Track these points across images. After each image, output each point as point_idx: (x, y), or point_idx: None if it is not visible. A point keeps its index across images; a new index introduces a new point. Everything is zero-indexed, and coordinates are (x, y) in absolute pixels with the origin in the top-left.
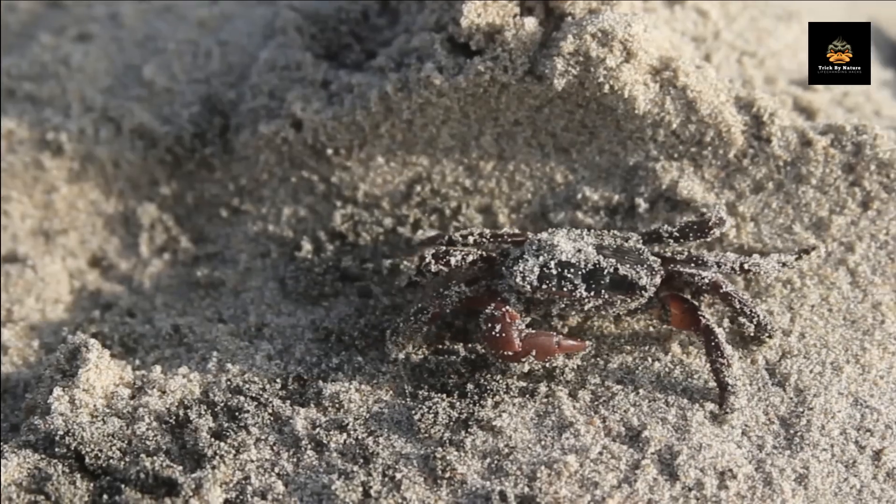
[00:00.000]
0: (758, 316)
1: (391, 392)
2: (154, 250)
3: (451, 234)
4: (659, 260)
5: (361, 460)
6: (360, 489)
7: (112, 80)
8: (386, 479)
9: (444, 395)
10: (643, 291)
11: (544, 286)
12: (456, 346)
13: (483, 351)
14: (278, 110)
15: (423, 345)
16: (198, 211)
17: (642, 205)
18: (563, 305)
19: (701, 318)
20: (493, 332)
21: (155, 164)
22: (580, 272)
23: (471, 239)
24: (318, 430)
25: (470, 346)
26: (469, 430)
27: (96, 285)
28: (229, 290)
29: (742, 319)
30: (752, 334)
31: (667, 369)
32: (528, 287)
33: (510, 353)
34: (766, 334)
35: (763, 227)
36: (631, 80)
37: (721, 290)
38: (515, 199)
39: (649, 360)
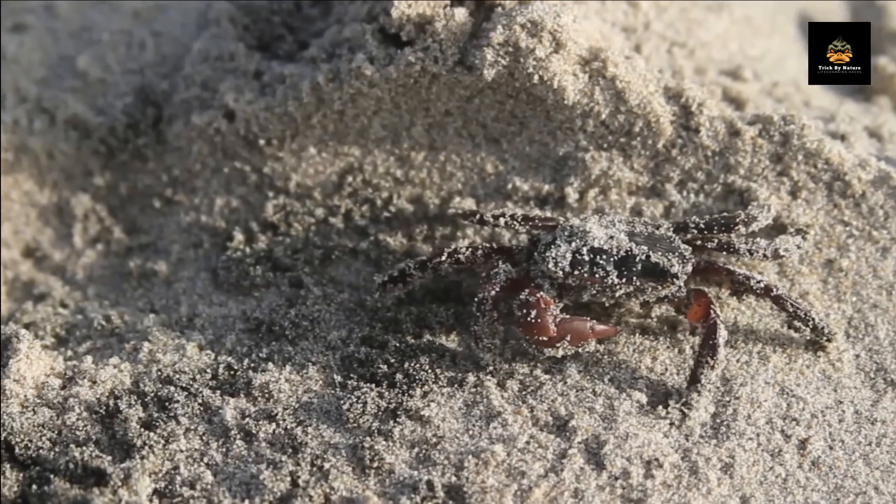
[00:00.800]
0: (813, 319)
1: (321, 382)
2: (87, 241)
3: (484, 214)
4: (690, 248)
5: (290, 450)
6: (288, 479)
7: (46, 71)
8: (314, 468)
9: (374, 385)
10: (675, 279)
11: (576, 272)
12: (386, 337)
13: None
14: (211, 101)
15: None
16: (131, 202)
17: (572, 195)
18: (595, 292)
19: (712, 312)
20: (529, 318)
21: (89, 155)
22: (612, 259)
23: (502, 221)
24: (247, 420)
25: (400, 336)
26: (397, 419)
27: (29, 276)
28: (161, 281)
29: (797, 324)
30: (809, 338)
31: (595, 359)
32: (561, 273)
33: (545, 339)
34: (825, 338)
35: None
36: (560, 70)
37: (773, 294)
38: (446, 189)
39: (578, 349)
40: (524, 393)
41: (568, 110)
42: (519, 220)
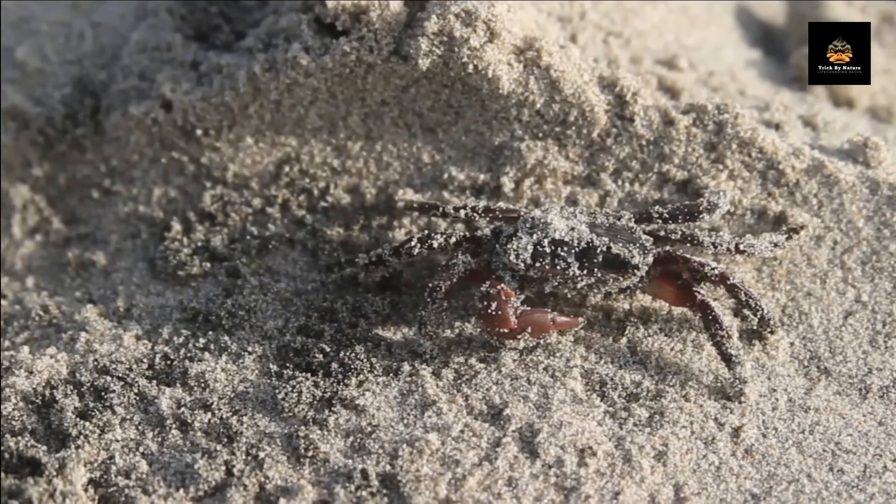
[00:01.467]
0: (762, 310)
1: (257, 372)
2: (26, 231)
3: (445, 207)
4: (651, 239)
5: (225, 439)
6: (223, 468)
7: None
8: (249, 457)
9: (309, 375)
10: (635, 270)
11: (538, 264)
12: (322, 326)
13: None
14: (148, 91)
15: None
16: (70, 192)
17: (507, 184)
18: (557, 283)
19: (696, 294)
20: (489, 310)
21: (27, 146)
22: (573, 250)
23: (462, 213)
24: (182, 409)
25: (336, 325)
26: (333, 408)
27: None
28: (99, 271)
29: (746, 312)
30: (753, 328)
31: (529, 347)
32: (522, 265)
33: (506, 331)
34: (769, 329)
35: (627, 207)
36: (494, 60)
37: (728, 282)
38: (383, 179)
39: (539, 341)
40: (459, 382)
41: (503, 100)
42: (480, 211)
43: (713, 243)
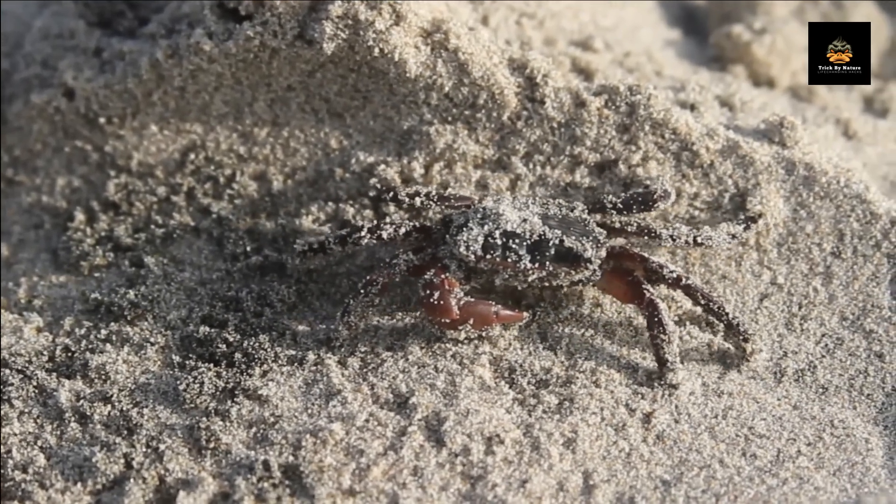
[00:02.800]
0: (727, 315)
1: (159, 363)
2: None
3: (399, 193)
4: (605, 232)
5: (125, 432)
6: (122, 461)
7: None
8: (149, 450)
9: (212, 365)
10: (588, 264)
11: (489, 256)
12: (226, 316)
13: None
14: (51, 79)
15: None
16: None
17: (417, 169)
18: (507, 276)
19: (645, 291)
20: (431, 299)
21: None
22: (525, 243)
23: (417, 200)
24: (82, 402)
25: (240, 314)
26: (235, 399)
27: None
28: (2, 263)
29: (711, 318)
30: (727, 342)
31: (437, 335)
32: (473, 257)
33: (447, 321)
34: (741, 337)
35: (538, 191)
36: (401, 43)
37: (682, 284)
38: (290, 165)
39: (419, 326)
40: (365, 370)
41: (411, 83)
42: (434, 199)
43: (671, 236)
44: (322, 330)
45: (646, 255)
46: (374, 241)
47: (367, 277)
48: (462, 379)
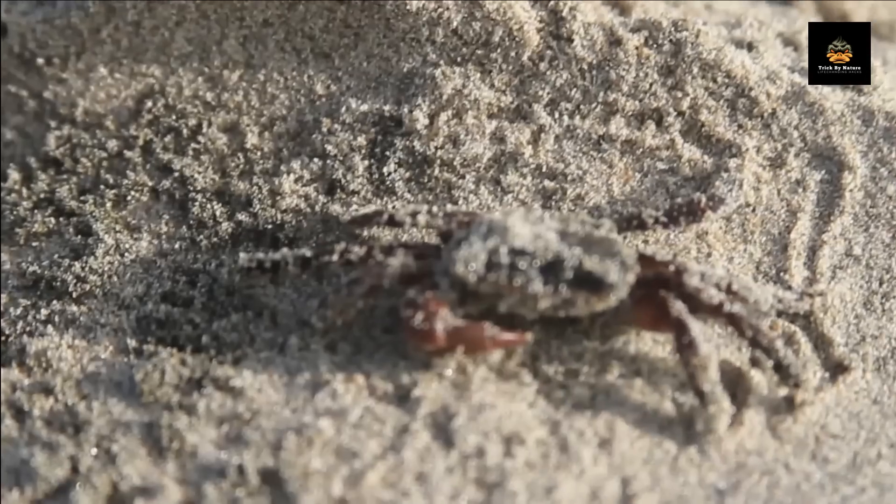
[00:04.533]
0: (776, 352)
1: (111, 348)
2: None
3: (395, 214)
4: (635, 254)
5: (70, 430)
6: (68, 464)
7: None
8: (99, 451)
9: (175, 351)
10: (612, 290)
11: (491, 277)
12: (192, 293)
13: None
14: None
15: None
16: None
17: (420, 119)
18: (513, 301)
19: (671, 309)
20: (413, 322)
21: None
22: (537, 263)
23: (420, 218)
24: (18, 394)
25: (209, 291)
26: (203, 391)
27: None
28: None
29: (757, 353)
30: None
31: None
32: (473, 277)
33: (432, 348)
34: (792, 381)
35: (566, 144)
36: None
37: (725, 312)
38: (267, 114)
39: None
40: (359, 357)
41: (411, 18)
42: (440, 216)
43: (702, 273)
44: (307, 309)
45: (682, 278)
46: (347, 266)
47: (353, 275)
48: (475, 367)
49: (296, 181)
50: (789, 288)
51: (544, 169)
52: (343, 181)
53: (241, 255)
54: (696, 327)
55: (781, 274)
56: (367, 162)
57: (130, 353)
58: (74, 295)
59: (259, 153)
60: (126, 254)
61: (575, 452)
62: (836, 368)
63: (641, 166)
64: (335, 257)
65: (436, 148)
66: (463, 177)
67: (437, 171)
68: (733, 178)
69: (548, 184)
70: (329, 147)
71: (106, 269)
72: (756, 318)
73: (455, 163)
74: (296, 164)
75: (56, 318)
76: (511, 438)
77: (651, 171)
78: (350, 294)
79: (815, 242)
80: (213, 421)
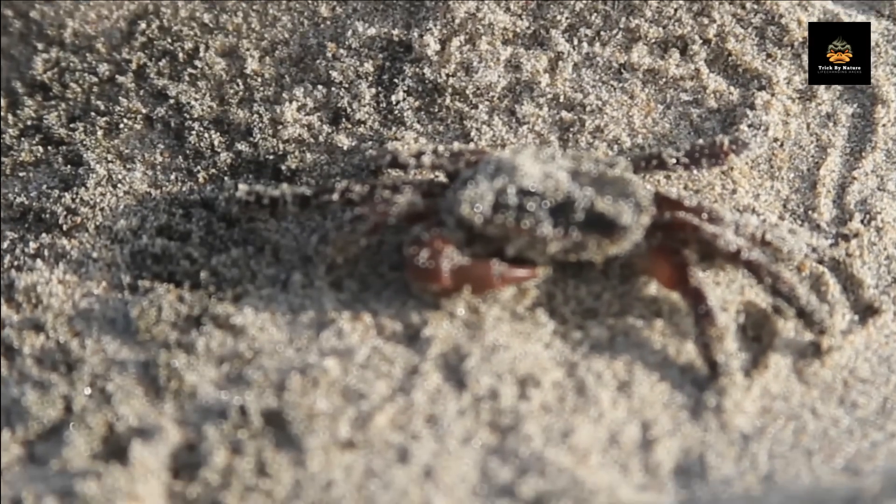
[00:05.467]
0: (799, 299)
1: (104, 284)
2: None
3: (400, 155)
4: (652, 194)
5: (63, 368)
6: (61, 404)
7: None
8: (94, 390)
9: (172, 287)
10: (625, 233)
11: (498, 219)
12: (189, 226)
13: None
14: None
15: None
16: None
17: (431, 45)
18: (522, 245)
19: (689, 277)
20: (418, 261)
21: None
22: (546, 204)
23: (426, 159)
24: (7, 331)
25: (207, 224)
26: (202, 329)
27: None
28: None
29: (779, 303)
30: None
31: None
32: (479, 219)
33: (437, 288)
34: (816, 329)
35: (585, 73)
36: None
37: (744, 259)
38: (268, 38)
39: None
40: (366, 294)
41: None
42: (447, 157)
43: (736, 223)
44: (310, 245)
45: (697, 222)
46: (348, 205)
47: (357, 211)
48: (489, 306)
49: (298, 109)
50: (818, 227)
51: (561, 99)
52: (348, 110)
53: (240, 186)
54: (714, 296)
55: (809, 212)
56: (373, 90)
57: (125, 289)
58: (65, 228)
59: (259, 79)
60: (119, 185)
61: (593, 395)
62: (866, 311)
63: (664, 97)
64: (336, 196)
65: (447, 75)
66: (475, 107)
67: (448, 101)
68: (759, 120)
69: (565, 115)
70: (334, 73)
71: (98, 200)
72: (776, 264)
73: (467, 91)
74: (298, 92)
75: (45, 252)
76: (526, 380)
77: (674, 102)
78: (353, 231)
79: (846, 179)
80: (213, 360)
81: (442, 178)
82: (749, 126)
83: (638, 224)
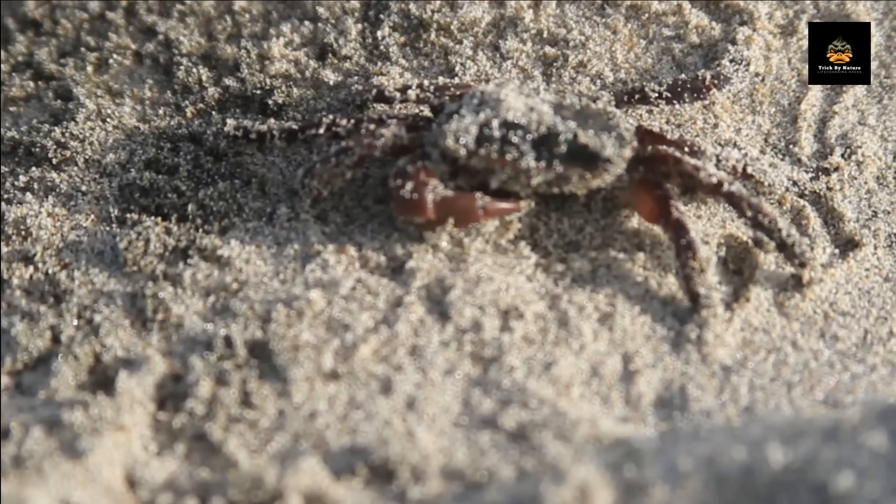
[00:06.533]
0: (779, 231)
1: (92, 217)
2: None
3: (386, 89)
4: (633, 128)
5: (51, 299)
6: (48, 334)
7: None
8: (81, 322)
9: (159, 220)
10: (608, 165)
11: (482, 151)
12: (177, 160)
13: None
14: None
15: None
16: None
17: None
18: (505, 177)
19: (672, 209)
20: (402, 193)
21: None
22: (530, 136)
23: (411, 93)
24: None
25: (194, 157)
26: (189, 261)
27: None
28: None
29: (760, 235)
30: (780, 261)
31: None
32: (463, 151)
33: (421, 220)
34: (797, 261)
35: (568, 9)
36: None
37: (724, 191)
38: None
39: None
40: (350, 227)
41: None
42: (431, 91)
43: (717, 157)
44: (296, 178)
45: (679, 154)
46: (334, 139)
47: (342, 143)
48: (472, 239)
49: (285, 45)
50: (799, 161)
51: (545, 34)
52: (335, 46)
53: (228, 121)
54: (695, 229)
55: (791, 146)
56: (360, 25)
57: (113, 221)
58: (54, 161)
59: (247, 15)
60: (108, 119)
61: (575, 327)
62: (847, 244)
63: (646, 32)
64: (322, 130)
65: (432, 11)
66: (460, 42)
67: (433, 36)
68: (741, 55)
69: (549, 50)
70: (320, 9)
71: (87, 135)
72: (757, 197)
73: (452, 27)
74: (286, 28)
75: (35, 186)
76: (508, 312)
77: (657, 37)
78: (338, 164)
79: (826, 114)
80: (200, 292)
81: (427, 111)
82: (731, 61)
83: (620, 157)
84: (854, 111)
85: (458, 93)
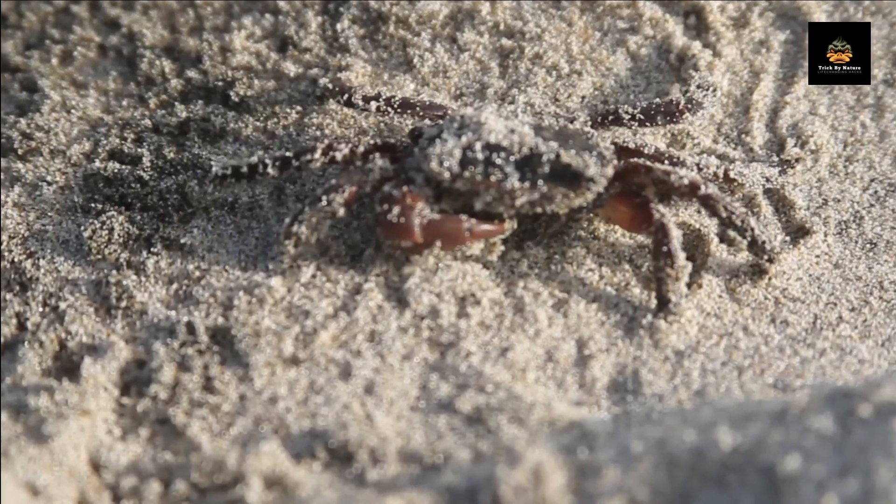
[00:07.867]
0: (751, 230)
1: (58, 206)
2: None
3: (353, 96)
4: (613, 147)
5: (16, 287)
6: (14, 321)
7: None
8: (46, 309)
9: (123, 209)
10: (591, 184)
11: (467, 174)
12: (140, 150)
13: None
14: None
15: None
16: None
17: None
18: (490, 199)
19: (654, 212)
20: (389, 217)
21: None
22: (513, 157)
23: (373, 105)
24: None
25: (158, 147)
26: (152, 249)
27: None
28: None
29: (732, 233)
30: (749, 259)
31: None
32: (447, 174)
33: (409, 244)
34: (766, 257)
35: (524, 1)
36: None
37: (700, 193)
38: None
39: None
40: None
41: None
42: (396, 105)
43: (697, 165)
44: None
45: (650, 163)
46: (328, 164)
47: (332, 182)
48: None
49: (247, 37)
50: (751, 150)
51: (502, 27)
52: (295, 38)
53: (213, 165)
54: (677, 234)
55: (743, 136)
56: (320, 18)
57: (78, 211)
58: (20, 152)
59: (209, 8)
60: (73, 111)
61: (530, 313)
62: (798, 231)
63: (601, 25)
64: (319, 156)
65: (391, 4)
66: (418, 34)
67: (391, 29)
68: (707, 81)
69: (505, 42)
70: (281, 3)
71: (52, 126)
72: (730, 196)
73: (410, 20)
74: (247, 21)
75: (1, 176)
76: (465, 298)
77: (611, 29)
78: (329, 204)
79: (778, 104)
80: (163, 279)
81: (381, 143)
82: (698, 87)
83: (603, 175)
84: (805, 101)
85: (424, 113)
